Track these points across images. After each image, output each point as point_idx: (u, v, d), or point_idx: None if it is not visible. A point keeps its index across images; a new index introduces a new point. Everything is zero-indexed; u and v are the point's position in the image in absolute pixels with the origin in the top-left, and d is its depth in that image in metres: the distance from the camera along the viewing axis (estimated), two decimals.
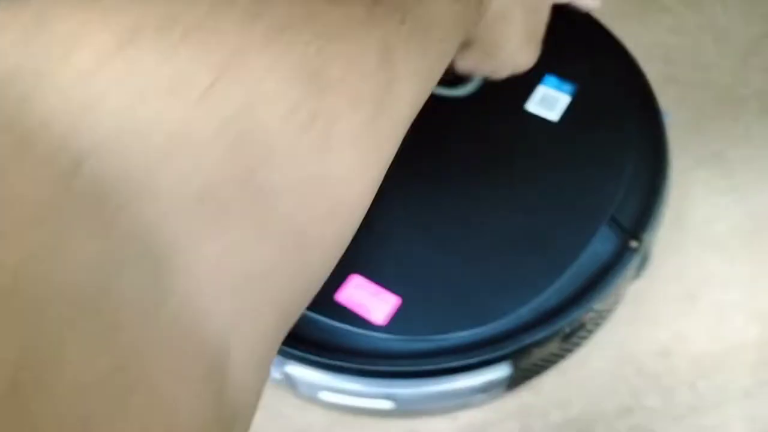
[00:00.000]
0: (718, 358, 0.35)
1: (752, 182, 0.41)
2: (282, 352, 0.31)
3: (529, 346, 0.30)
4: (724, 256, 0.38)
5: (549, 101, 0.37)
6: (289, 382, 0.33)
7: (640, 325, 0.36)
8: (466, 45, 0.28)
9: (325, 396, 0.32)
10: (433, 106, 0.37)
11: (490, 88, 0.38)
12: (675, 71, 0.45)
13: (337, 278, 0.32)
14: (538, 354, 0.31)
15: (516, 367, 0.32)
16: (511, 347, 0.30)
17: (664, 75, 0.45)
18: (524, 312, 0.31)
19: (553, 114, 0.37)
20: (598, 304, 0.32)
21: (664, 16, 0.48)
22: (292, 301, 0.15)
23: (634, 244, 0.33)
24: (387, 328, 0.31)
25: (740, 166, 0.41)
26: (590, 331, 0.34)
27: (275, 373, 0.33)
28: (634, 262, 0.33)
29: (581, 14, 0.41)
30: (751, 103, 0.44)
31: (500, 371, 0.31)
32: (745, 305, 0.36)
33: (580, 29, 0.41)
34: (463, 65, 0.30)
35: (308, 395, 0.33)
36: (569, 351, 0.34)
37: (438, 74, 0.20)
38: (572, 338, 0.33)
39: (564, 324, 0.31)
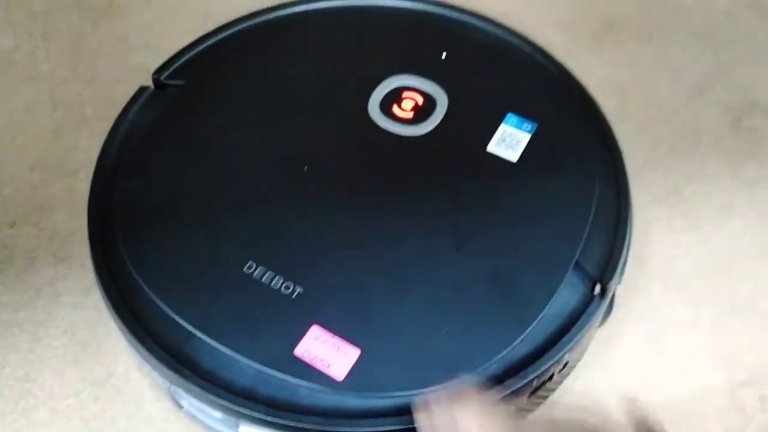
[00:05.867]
0: (688, 404, 0.34)
1: (710, 220, 0.41)
2: (235, 412, 0.29)
3: (498, 401, 0.29)
4: (686, 298, 0.37)
5: (510, 140, 0.36)
6: None
7: (607, 371, 0.35)
8: None
9: None
10: (392, 143, 0.36)
11: (451, 126, 0.37)
12: (630, 107, 0.45)
13: (295, 329, 0.30)
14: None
15: None
16: None
17: (619, 110, 0.45)
18: (492, 365, 0.29)
19: (514, 154, 0.36)
20: (568, 355, 0.30)
21: (618, 52, 0.48)
22: None
23: (601, 291, 0.32)
24: (347, 384, 0.29)
25: (698, 204, 0.41)
26: (558, 383, 0.33)
27: None
28: (602, 309, 0.32)
29: (540, 51, 0.40)
30: (706, 139, 0.44)
31: None
32: (711, 348, 0.36)
33: (539, 66, 0.40)
34: None
35: None
36: (537, 405, 0.33)
37: None
38: (540, 391, 0.31)
39: (533, 376, 0.29)
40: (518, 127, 0.37)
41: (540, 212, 0.34)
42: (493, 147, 0.36)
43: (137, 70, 0.44)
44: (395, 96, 0.38)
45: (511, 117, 0.37)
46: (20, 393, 0.34)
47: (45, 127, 0.43)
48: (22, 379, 0.34)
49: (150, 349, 0.29)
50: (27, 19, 0.48)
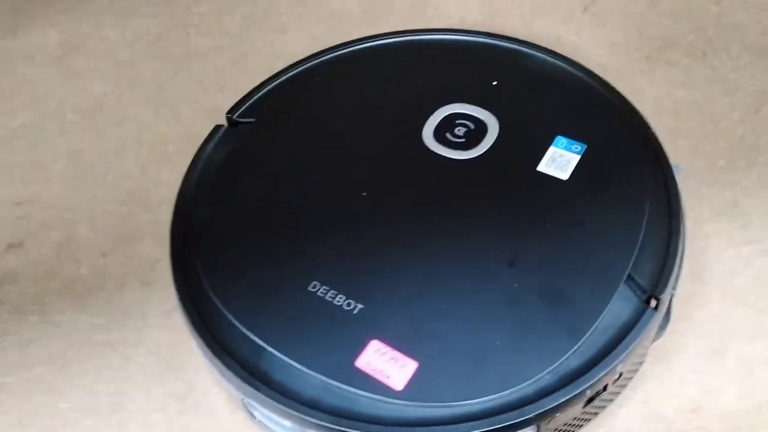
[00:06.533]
0: (751, 415, 0.34)
1: None
2: (301, 420, 0.31)
3: (552, 411, 0.30)
4: (747, 310, 0.37)
5: (560, 162, 0.37)
6: None
7: (666, 382, 0.35)
8: None
9: None
10: (445, 167, 0.38)
11: (502, 150, 0.38)
12: (685, 124, 0.46)
13: (356, 343, 0.32)
14: (561, 419, 0.31)
15: None
16: (534, 412, 0.30)
17: (674, 128, 0.45)
18: (546, 376, 0.31)
19: (564, 174, 0.37)
20: (621, 366, 0.31)
21: (671, 71, 0.48)
22: None
23: (653, 303, 0.32)
24: (406, 395, 0.31)
25: (757, 217, 0.41)
26: (615, 394, 0.34)
27: None
28: (656, 321, 0.32)
29: (588, 74, 0.42)
30: (764, 152, 0.44)
31: None
32: None
33: (588, 89, 0.41)
34: None
35: None
36: (594, 414, 0.34)
37: None
38: (595, 401, 0.32)
39: (586, 387, 0.30)
40: (568, 148, 0.38)
41: (591, 227, 0.35)
42: (544, 167, 0.37)
43: (213, 110, 0.48)
44: (448, 123, 0.40)
45: (560, 139, 0.38)
46: (113, 407, 0.37)
47: (132, 164, 0.47)
48: (114, 394, 0.37)
49: (226, 364, 0.32)
50: (115, 68, 0.53)
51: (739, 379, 0.35)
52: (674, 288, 0.34)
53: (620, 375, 0.32)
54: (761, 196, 0.42)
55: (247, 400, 0.33)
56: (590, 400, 0.32)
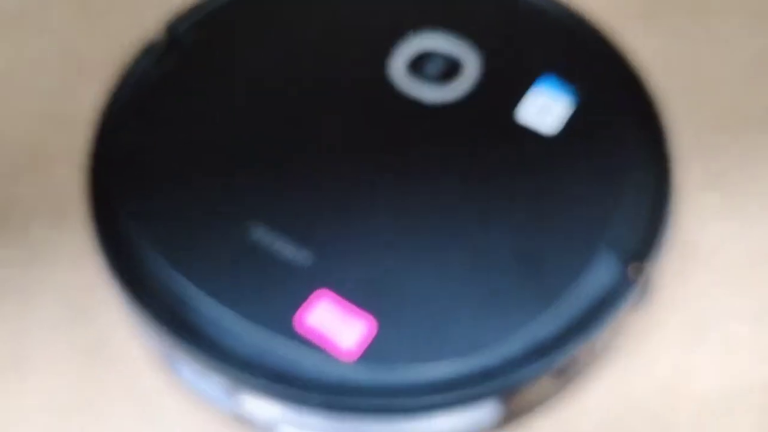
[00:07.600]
0: (729, 399, 0.31)
1: (760, 207, 0.38)
2: (235, 381, 0.27)
3: (519, 382, 0.27)
4: (731, 289, 0.35)
5: (546, 110, 0.33)
6: (244, 417, 0.29)
7: (640, 359, 0.33)
8: None
9: None
10: (416, 108, 0.33)
11: (480, 92, 0.34)
12: (678, 84, 0.42)
13: (302, 296, 0.28)
14: (528, 391, 0.28)
15: (504, 405, 0.28)
16: (499, 383, 0.26)
17: (664, 89, 0.42)
18: (514, 344, 0.27)
19: (549, 125, 0.33)
20: (595, 337, 0.28)
21: (668, 26, 0.45)
22: None
23: (635, 272, 0.29)
24: (357, 357, 0.27)
25: (748, 188, 0.38)
26: (585, 365, 0.31)
27: (227, 406, 0.29)
28: (636, 291, 0.29)
29: (582, 20, 0.38)
30: (758, 121, 0.41)
31: (487, 410, 0.27)
32: (753, 343, 0.33)
33: (580, 34, 0.37)
34: None
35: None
36: (562, 388, 0.30)
37: None
38: (566, 374, 0.29)
39: (558, 358, 0.27)
40: (555, 96, 0.34)
41: (574, 187, 0.31)
42: (526, 116, 0.33)
43: (151, 29, 0.42)
44: (421, 55, 0.35)
45: (547, 85, 0.34)
46: (9, 361, 0.32)
47: (52, 81, 0.41)
48: (10, 345, 0.32)
49: (149, 312, 0.28)
50: None
51: (720, 360, 0.33)
52: (657, 257, 0.30)
53: (594, 347, 0.29)
54: (753, 168, 0.39)
55: (171, 355, 0.28)
56: (560, 372, 0.28)
